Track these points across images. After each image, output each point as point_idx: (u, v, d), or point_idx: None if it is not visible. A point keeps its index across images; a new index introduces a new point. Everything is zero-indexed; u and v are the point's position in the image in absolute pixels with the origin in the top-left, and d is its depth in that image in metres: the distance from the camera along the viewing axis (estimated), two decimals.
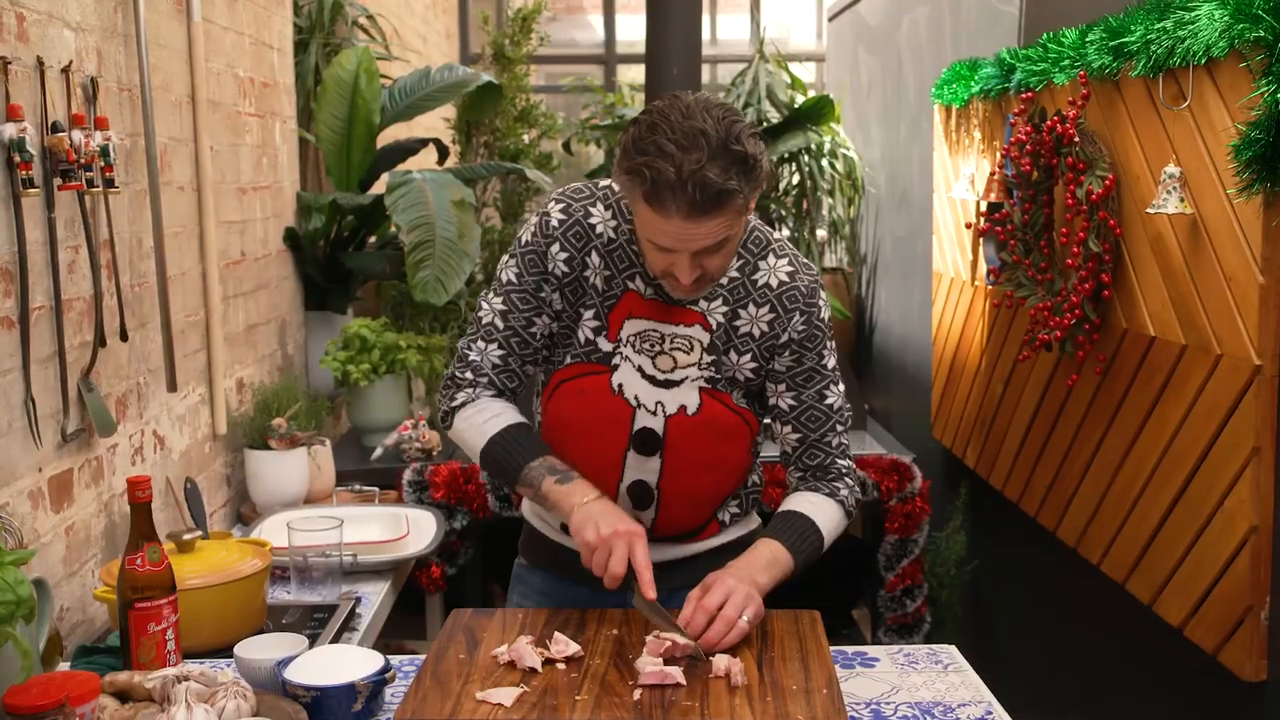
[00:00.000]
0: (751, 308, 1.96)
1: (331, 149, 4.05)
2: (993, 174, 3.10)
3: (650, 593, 1.83)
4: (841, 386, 2.04)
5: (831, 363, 2.01)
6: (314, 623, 2.23)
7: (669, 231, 1.77)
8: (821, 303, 2.00)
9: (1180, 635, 2.39)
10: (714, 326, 1.96)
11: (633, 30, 8.02)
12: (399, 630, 3.71)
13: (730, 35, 8.47)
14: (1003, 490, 3.34)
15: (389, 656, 1.83)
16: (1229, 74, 2.13)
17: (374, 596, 2.46)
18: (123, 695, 1.70)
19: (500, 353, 2.00)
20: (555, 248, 1.95)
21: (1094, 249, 2.59)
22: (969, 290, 3.54)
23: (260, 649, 1.85)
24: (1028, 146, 2.85)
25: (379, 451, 3.56)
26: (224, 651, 2.00)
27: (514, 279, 1.98)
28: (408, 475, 3.45)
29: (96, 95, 2.30)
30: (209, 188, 2.89)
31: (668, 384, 1.96)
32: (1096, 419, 2.74)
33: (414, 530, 2.75)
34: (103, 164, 2.25)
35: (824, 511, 2.00)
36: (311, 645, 1.90)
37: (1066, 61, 2.73)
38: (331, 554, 2.37)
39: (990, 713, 1.78)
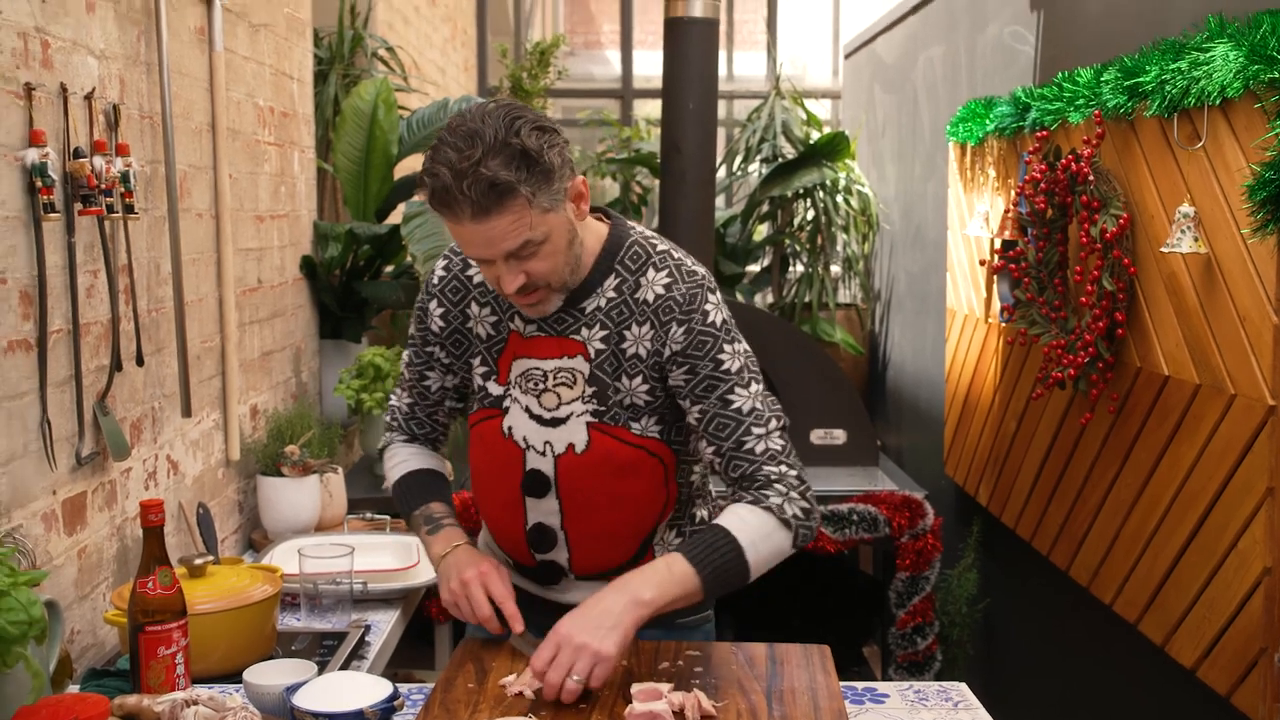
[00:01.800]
0: (635, 327, 1.88)
1: (349, 179, 4.07)
2: (1007, 211, 3.11)
3: (516, 626, 1.85)
4: (755, 387, 1.87)
5: (734, 365, 1.86)
6: (323, 650, 2.23)
7: (466, 237, 1.74)
8: (708, 308, 1.87)
9: (1193, 677, 2.38)
10: (593, 355, 1.90)
11: (649, 65, 8.07)
12: (407, 660, 3.71)
13: (747, 71, 8.52)
14: (1015, 528, 3.33)
15: (396, 684, 1.82)
16: (1244, 114, 2.13)
17: (383, 625, 2.45)
18: (131, 718, 1.70)
19: (409, 401, 2.12)
20: (434, 304, 2.00)
21: (1108, 287, 2.60)
22: (983, 327, 3.54)
23: (269, 675, 1.85)
24: (1042, 184, 2.86)
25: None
26: (233, 677, 2.00)
27: (413, 335, 2.06)
28: None
29: (118, 122, 2.33)
30: (227, 215, 2.92)
31: (554, 422, 1.91)
32: (1110, 458, 2.73)
33: (424, 559, 2.74)
34: (123, 190, 2.26)
35: (744, 522, 1.81)
36: (320, 672, 1.90)
37: (1081, 100, 2.75)
38: (342, 581, 2.37)
39: None
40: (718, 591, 1.82)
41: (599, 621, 1.72)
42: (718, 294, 1.91)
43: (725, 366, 1.86)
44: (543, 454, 1.92)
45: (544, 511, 1.95)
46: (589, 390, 1.90)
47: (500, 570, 1.91)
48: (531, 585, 2.06)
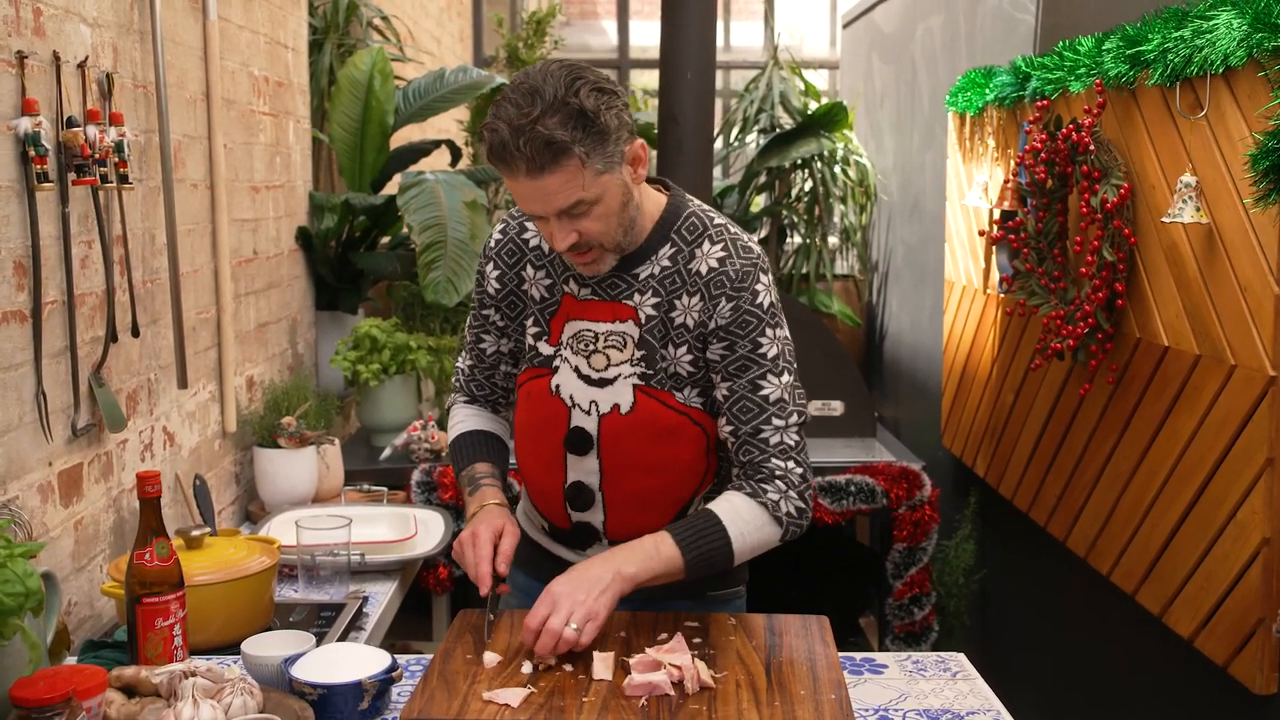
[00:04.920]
0: (685, 297, 1.91)
1: (345, 149, 4.05)
2: (1006, 182, 3.10)
3: (481, 587, 1.86)
4: (786, 378, 1.90)
5: (771, 351, 1.89)
6: (321, 621, 2.23)
7: (521, 193, 1.78)
8: (759, 288, 1.89)
9: (1190, 647, 2.38)
10: (643, 320, 1.93)
11: (645, 35, 8.02)
12: (405, 631, 3.71)
13: (744, 41, 8.47)
14: (1012, 499, 3.33)
15: (395, 655, 1.82)
16: (1247, 83, 2.12)
17: (381, 596, 2.45)
18: (129, 690, 1.70)
19: (470, 363, 2.16)
20: (490, 267, 2.05)
21: (1108, 258, 2.59)
22: (981, 298, 3.53)
23: (268, 646, 1.85)
24: (1042, 154, 2.84)
25: (388, 451, 3.56)
26: (231, 648, 2.00)
27: (472, 298, 2.12)
28: (416, 476, 3.45)
29: (112, 91, 2.31)
30: (222, 185, 2.90)
31: (602, 383, 1.94)
32: (1108, 429, 2.72)
33: (422, 530, 2.75)
34: (117, 159, 2.25)
35: (738, 512, 1.87)
36: (318, 643, 1.90)
37: (1082, 70, 2.73)
38: (339, 553, 2.37)
39: None
40: (701, 574, 1.86)
41: (590, 585, 1.77)
42: (769, 275, 1.94)
43: (763, 350, 1.90)
44: (588, 413, 1.95)
45: (584, 470, 1.98)
46: (638, 354, 1.93)
47: (498, 531, 1.91)
48: (564, 550, 2.08)
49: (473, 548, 1.89)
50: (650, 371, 1.93)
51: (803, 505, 1.90)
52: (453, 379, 2.22)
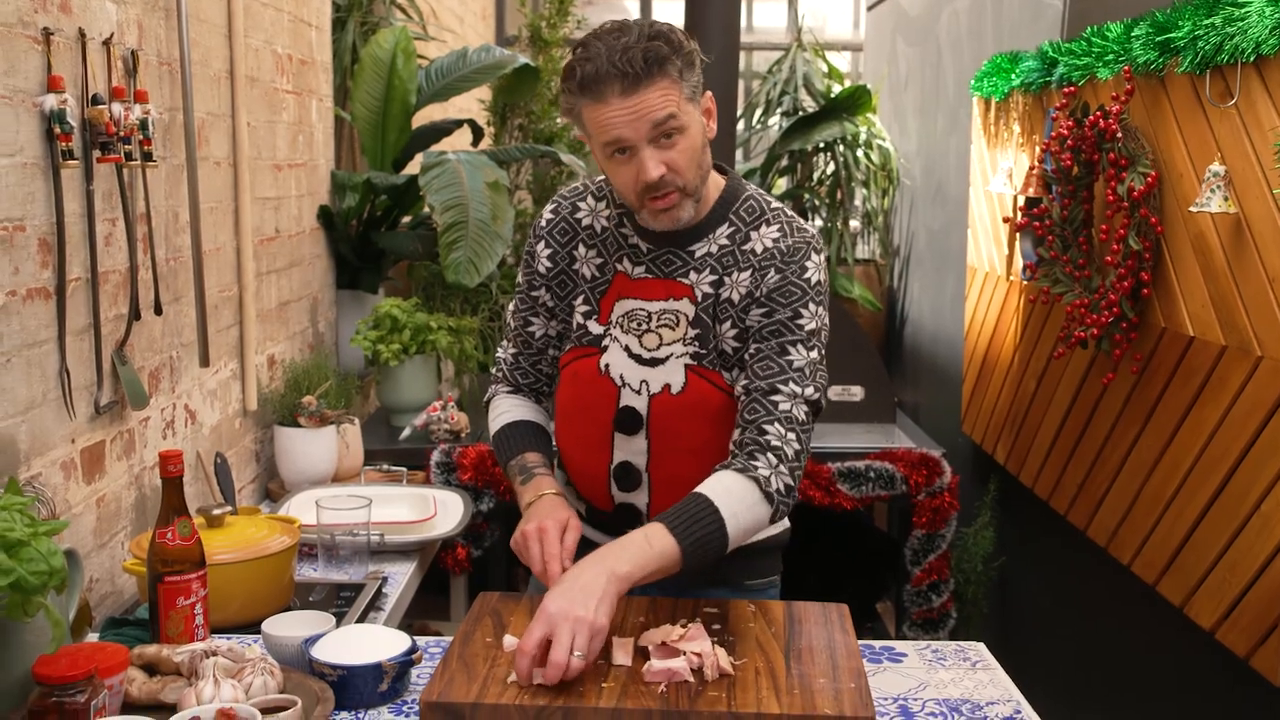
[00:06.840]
0: (736, 273, 1.92)
1: (367, 128, 4.04)
2: (1032, 168, 3.07)
3: (549, 585, 1.78)
4: (815, 355, 1.88)
5: (809, 325, 1.88)
6: (340, 601, 2.23)
7: (613, 119, 1.78)
8: (808, 264, 1.90)
9: (1212, 639, 2.37)
10: (700, 298, 1.93)
11: (668, 16, 7.99)
12: (423, 611, 3.73)
13: (767, 23, 8.42)
14: (1033, 487, 3.32)
15: (414, 637, 1.82)
16: (1278, 71, 2.09)
17: (400, 576, 2.46)
18: (151, 668, 1.71)
19: (513, 351, 2.14)
20: (541, 246, 2.04)
21: (1134, 246, 2.57)
22: (1004, 285, 3.51)
23: (288, 626, 1.85)
24: (1069, 141, 2.82)
25: (407, 432, 3.56)
26: (251, 627, 2.01)
27: (520, 282, 2.10)
28: (436, 456, 3.45)
29: (137, 68, 2.30)
30: (245, 163, 2.90)
31: (653, 362, 1.94)
32: (1131, 418, 2.71)
33: (441, 511, 2.75)
34: (141, 137, 2.25)
35: (730, 492, 1.78)
36: (338, 624, 1.90)
37: (1111, 56, 2.70)
38: (359, 533, 2.37)
39: (1019, 712, 1.76)
40: (696, 563, 1.77)
41: (585, 596, 1.65)
42: (821, 255, 1.94)
43: (800, 322, 1.89)
44: (638, 392, 1.95)
45: (631, 450, 1.97)
46: (691, 333, 1.93)
47: (564, 525, 1.87)
48: (602, 535, 2.06)
49: (539, 543, 1.84)
50: (703, 351, 1.93)
51: (791, 483, 1.82)
52: (493, 369, 2.19)
